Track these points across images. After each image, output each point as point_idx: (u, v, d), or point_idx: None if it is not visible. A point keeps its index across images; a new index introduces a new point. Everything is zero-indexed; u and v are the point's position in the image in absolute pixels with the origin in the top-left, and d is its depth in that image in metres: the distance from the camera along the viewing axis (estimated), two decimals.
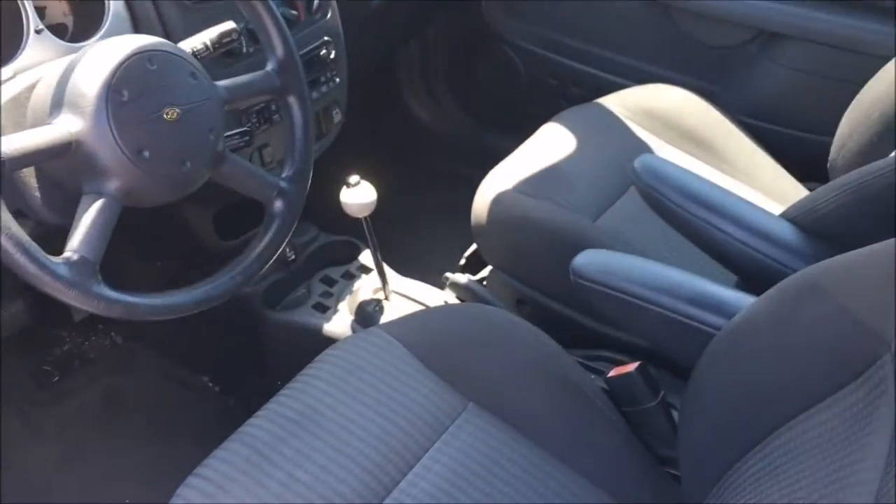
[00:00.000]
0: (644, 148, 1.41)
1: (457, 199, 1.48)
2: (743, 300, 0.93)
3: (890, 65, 1.17)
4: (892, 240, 0.71)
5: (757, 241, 1.02)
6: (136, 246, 1.41)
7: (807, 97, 1.51)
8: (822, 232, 1.02)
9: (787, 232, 1.03)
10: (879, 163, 0.97)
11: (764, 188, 1.38)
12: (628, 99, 1.51)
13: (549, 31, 1.83)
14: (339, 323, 1.35)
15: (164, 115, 0.83)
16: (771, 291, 0.84)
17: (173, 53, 0.88)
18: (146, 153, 0.82)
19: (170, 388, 1.58)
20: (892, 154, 1.09)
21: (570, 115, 1.49)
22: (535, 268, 1.32)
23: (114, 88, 0.80)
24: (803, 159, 1.41)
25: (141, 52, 0.83)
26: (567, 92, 1.83)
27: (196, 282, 0.95)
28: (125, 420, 1.53)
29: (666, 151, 1.42)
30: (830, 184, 1.05)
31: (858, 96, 1.22)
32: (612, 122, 1.47)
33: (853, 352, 0.71)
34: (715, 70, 1.63)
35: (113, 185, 0.81)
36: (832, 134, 1.25)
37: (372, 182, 1.26)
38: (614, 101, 1.50)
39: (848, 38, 1.43)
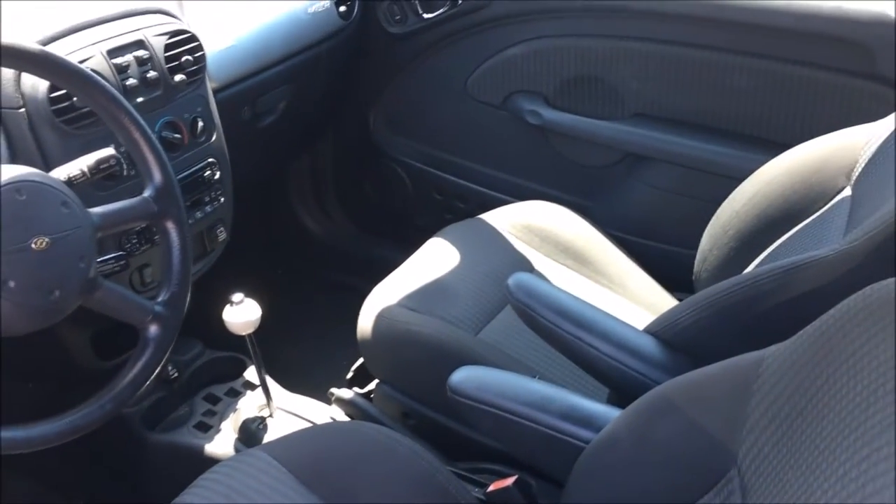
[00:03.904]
0: (524, 262, 1.47)
1: (347, 311, 1.49)
2: (611, 414, 0.97)
3: (742, 186, 1.28)
4: (738, 357, 0.77)
5: (623, 356, 1.07)
6: (5, 368, 1.36)
7: (671, 213, 1.62)
8: (682, 346, 1.08)
9: (650, 346, 1.08)
10: (732, 280, 1.05)
11: (636, 299, 1.45)
12: (509, 215, 1.57)
13: (432, 149, 1.92)
14: (222, 442, 1.33)
15: (33, 245, 0.83)
16: (630, 407, 0.88)
17: (44, 183, 0.88)
18: (12, 283, 0.81)
19: None
20: (746, 271, 1.18)
21: (453, 230, 1.54)
22: (419, 381, 1.34)
23: None
24: (672, 271, 1.49)
25: (9, 184, 0.83)
26: (452, 207, 1.90)
27: (72, 405, 0.93)
28: None
29: (545, 265, 1.48)
30: (689, 299, 1.12)
31: (716, 214, 1.31)
32: (494, 237, 1.53)
33: (705, 466, 0.75)
34: (588, 188, 1.73)
35: None
36: (696, 248, 1.34)
37: (259, 295, 1.27)
38: (496, 217, 1.56)
39: (704, 161, 1.55)
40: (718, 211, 1.30)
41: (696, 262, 1.32)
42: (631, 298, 1.45)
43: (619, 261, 1.53)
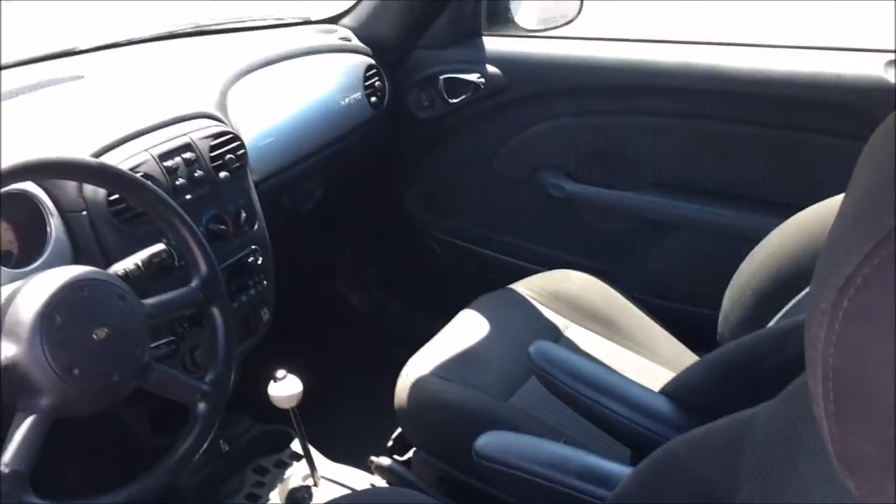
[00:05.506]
0: (552, 330, 1.53)
1: (386, 381, 1.57)
2: (627, 472, 1.02)
3: (757, 248, 1.34)
4: (735, 414, 0.83)
5: (638, 416, 1.13)
6: (71, 448, 1.47)
7: (693, 276, 1.68)
8: (694, 405, 1.13)
9: (664, 406, 1.14)
10: (739, 341, 1.11)
11: (663, 362, 1.49)
12: (537, 284, 1.64)
13: (463, 224, 2.02)
14: None
15: (94, 336, 0.94)
16: (641, 464, 0.94)
17: (103, 280, 0.99)
18: (76, 371, 0.92)
19: None
20: (769, 328, 1.23)
21: (484, 301, 1.62)
22: (452, 447, 1.40)
23: (48, 316, 0.91)
24: (697, 332, 1.54)
25: (73, 282, 0.95)
26: (483, 278, 1.98)
27: (131, 478, 1.02)
28: None
29: (573, 332, 1.54)
30: (701, 360, 1.18)
31: (735, 276, 1.37)
32: (523, 306, 1.60)
33: None
34: (612, 255, 1.80)
35: (44, 401, 0.90)
36: (719, 308, 1.39)
37: (304, 370, 1.35)
38: (525, 287, 1.64)
39: (720, 226, 1.62)
40: (736, 273, 1.36)
41: (719, 322, 1.37)
42: (658, 361, 1.50)
43: (645, 324, 1.58)
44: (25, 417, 0.90)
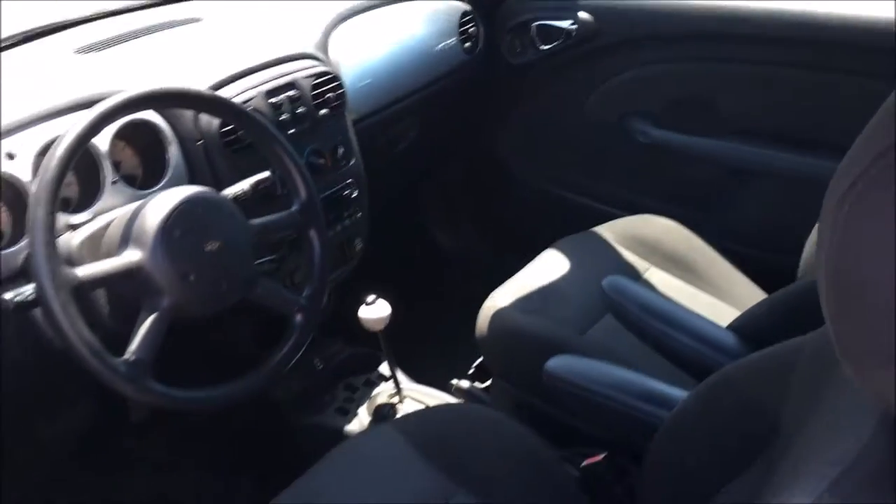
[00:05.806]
0: (631, 271, 1.58)
1: (470, 313, 1.66)
2: (684, 395, 1.09)
3: None
4: (788, 341, 0.88)
5: (704, 348, 1.19)
6: (182, 348, 1.62)
7: (775, 223, 1.69)
8: (760, 339, 1.18)
9: (730, 340, 1.19)
10: (808, 279, 1.14)
11: (740, 305, 1.52)
12: (619, 227, 1.69)
13: (551, 168, 2.08)
14: (358, 424, 1.53)
15: (207, 248, 1.07)
16: (699, 386, 1.00)
17: (216, 200, 1.12)
18: (191, 277, 1.04)
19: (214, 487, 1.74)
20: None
21: (567, 242, 1.68)
22: (527, 374, 1.47)
23: (168, 228, 1.03)
24: (776, 278, 1.56)
25: (190, 200, 1.07)
26: (568, 220, 2.04)
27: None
28: None
29: (652, 274, 1.59)
30: (769, 297, 1.22)
31: (816, 224, 1.38)
32: (604, 248, 1.65)
33: (756, 435, 0.86)
34: (695, 201, 1.83)
35: (165, 302, 1.03)
36: (800, 255, 1.41)
37: (393, 300, 1.45)
38: (607, 230, 1.69)
39: (803, 173, 1.63)
40: (818, 222, 1.37)
41: (799, 269, 1.40)
42: (735, 304, 1.53)
43: (725, 270, 1.61)
44: (149, 315, 1.03)
